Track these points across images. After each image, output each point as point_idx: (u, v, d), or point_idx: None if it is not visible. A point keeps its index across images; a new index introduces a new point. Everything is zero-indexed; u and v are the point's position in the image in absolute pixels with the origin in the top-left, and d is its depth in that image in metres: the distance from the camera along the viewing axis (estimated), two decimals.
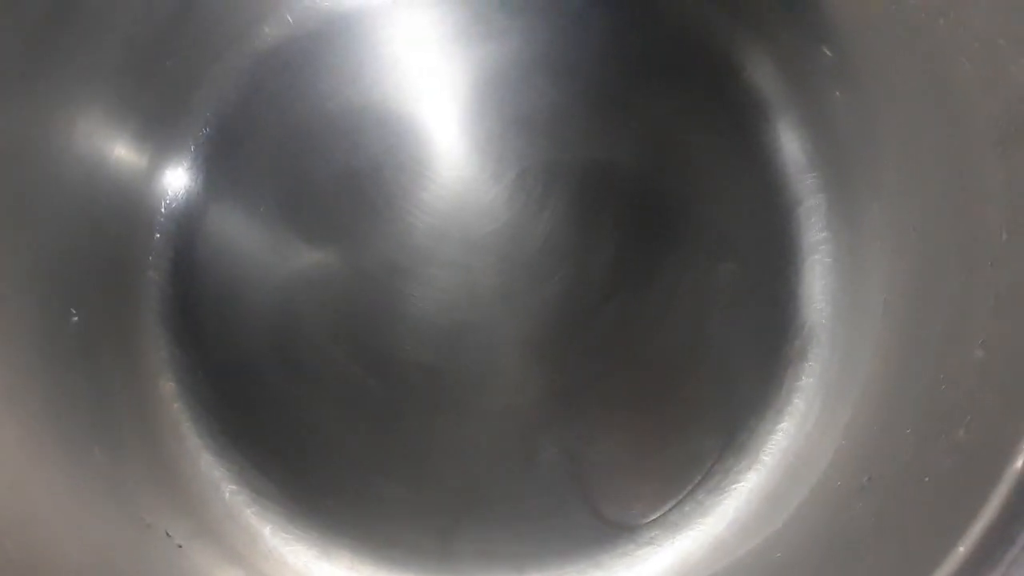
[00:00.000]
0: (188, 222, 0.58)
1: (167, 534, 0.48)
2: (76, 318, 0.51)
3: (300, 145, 0.59)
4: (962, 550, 0.29)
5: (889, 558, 0.35)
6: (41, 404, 0.46)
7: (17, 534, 0.39)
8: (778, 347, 0.55)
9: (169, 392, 0.55)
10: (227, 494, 0.54)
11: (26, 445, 0.44)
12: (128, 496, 0.49)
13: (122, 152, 0.56)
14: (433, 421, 0.54)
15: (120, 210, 0.56)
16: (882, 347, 0.48)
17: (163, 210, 0.58)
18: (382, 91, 0.60)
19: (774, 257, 0.56)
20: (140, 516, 0.48)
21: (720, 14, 0.58)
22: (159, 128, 0.57)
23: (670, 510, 0.52)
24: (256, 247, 0.57)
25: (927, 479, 0.36)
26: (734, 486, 0.53)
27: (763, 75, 0.58)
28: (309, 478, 0.54)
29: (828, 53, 0.53)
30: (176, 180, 0.58)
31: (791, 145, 0.57)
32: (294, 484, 0.54)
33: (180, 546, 0.49)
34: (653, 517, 0.52)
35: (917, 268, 0.46)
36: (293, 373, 0.55)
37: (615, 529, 0.52)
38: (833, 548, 0.42)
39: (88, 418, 0.49)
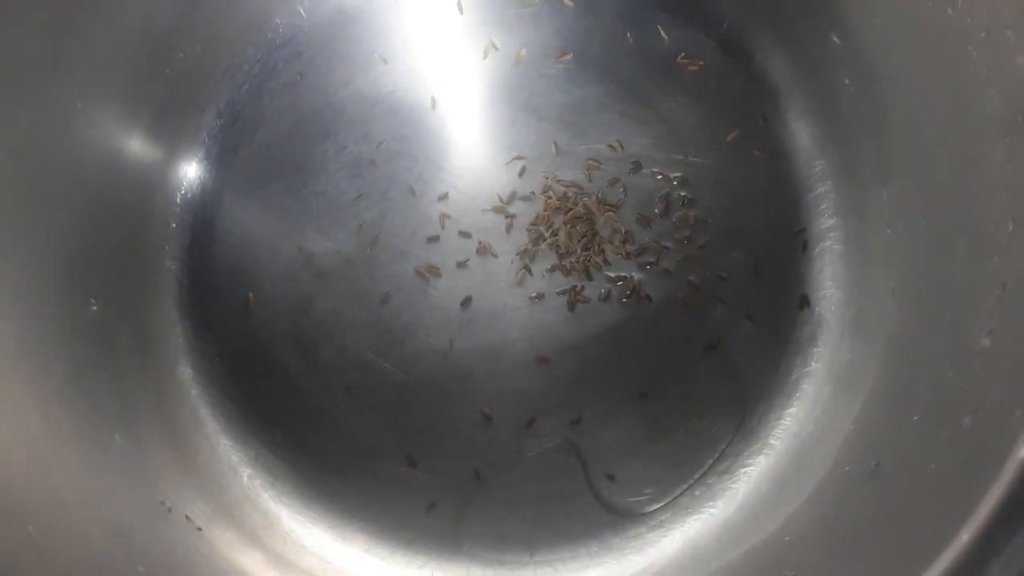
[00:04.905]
0: (203, 212, 0.59)
1: (187, 518, 0.49)
2: (95, 308, 0.52)
3: (313, 135, 0.59)
4: (965, 537, 0.29)
5: (895, 543, 0.36)
6: (62, 391, 0.47)
7: (41, 519, 0.40)
8: (787, 333, 0.55)
9: (187, 379, 0.56)
10: (244, 478, 0.55)
11: (48, 431, 0.45)
12: (149, 481, 0.50)
13: (138, 144, 0.57)
14: (444, 406, 0.55)
15: (137, 201, 0.57)
16: (891, 334, 0.49)
17: (179, 201, 0.59)
18: (393, 80, 0.60)
19: (783, 244, 0.56)
20: (160, 500, 0.49)
21: (731, 2, 0.58)
22: (174, 120, 0.58)
23: (680, 494, 0.53)
24: (270, 236, 0.58)
25: (933, 466, 0.37)
26: (744, 470, 0.53)
27: (773, 63, 0.58)
28: (325, 462, 0.55)
29: (837, 41, 0.53)
30: (191, 171, 0.59)
31: (800, 132, 0.57)
32: (310, 468, 0.55)
33: (200, 529, 0.50)
34: (659, 505, 0.53)
35: (925, 257, 0.46)
36: (308, 359, 0.56)
37: (620, 516, 0.53)
38: (841, 532, 0.42)
39: (108, 405, 0.50)
